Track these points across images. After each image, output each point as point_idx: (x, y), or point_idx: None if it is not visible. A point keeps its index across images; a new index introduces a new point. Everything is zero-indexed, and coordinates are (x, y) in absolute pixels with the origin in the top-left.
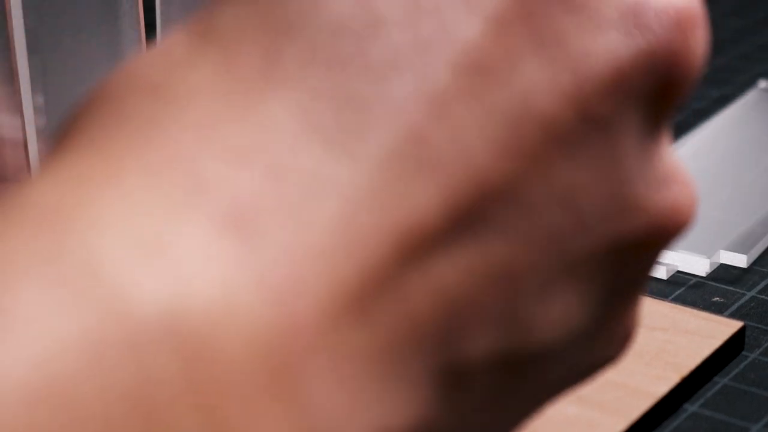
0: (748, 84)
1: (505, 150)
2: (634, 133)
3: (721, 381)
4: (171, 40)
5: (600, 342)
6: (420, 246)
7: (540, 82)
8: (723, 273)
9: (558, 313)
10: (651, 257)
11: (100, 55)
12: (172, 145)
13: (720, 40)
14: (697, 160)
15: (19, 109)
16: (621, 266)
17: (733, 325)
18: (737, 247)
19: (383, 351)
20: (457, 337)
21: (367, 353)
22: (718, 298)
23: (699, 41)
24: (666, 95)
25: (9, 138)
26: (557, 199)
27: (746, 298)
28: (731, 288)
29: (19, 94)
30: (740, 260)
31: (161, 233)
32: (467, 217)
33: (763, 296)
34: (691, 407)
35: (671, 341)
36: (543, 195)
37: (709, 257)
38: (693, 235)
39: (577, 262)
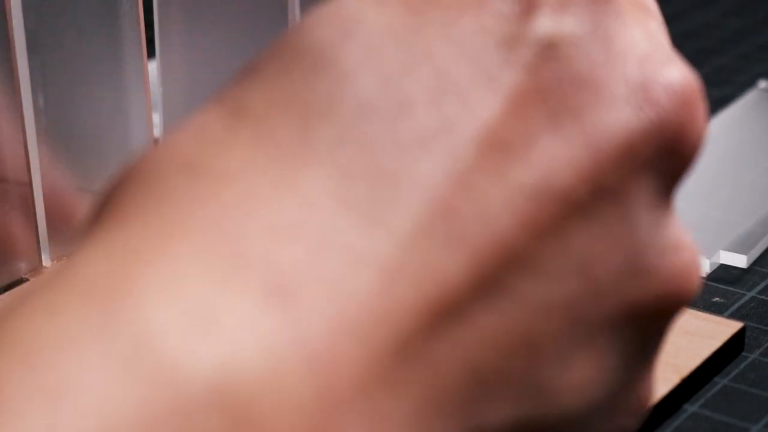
0: (748, 84)
1: (526, 222)
2: (645, 203)
3: (721, 381)
4: (204, 117)
5: (617, 411)
6: (447, 316)
7: (557, 158)
8: (723, 273)
9: (577, 380)
10: (663, 325)
11: (100, 55)
12: (214, 221)
13: (720, 40)
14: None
15: (19, 109)
16: (636, 334)
17: (733, 326)
18: (737, 248)
19: (411, 416)
20: (480, 403)
21: (397, 418)
22: (718, 299)
23: (702, 114)
24: (674, 166)
25: (9, 138)
26: (573, 268)
27: (746, 298)
28: (731, 288)
29: (19, 94)
30: (740, 260)
31: (209, 305)
32: (491, 287)
33: (763, 296)
34: (691, 408)
35: (671, 342)
36: (560, 265)
37: (709, 257)
38: (693, 235)
39: (594, 329)
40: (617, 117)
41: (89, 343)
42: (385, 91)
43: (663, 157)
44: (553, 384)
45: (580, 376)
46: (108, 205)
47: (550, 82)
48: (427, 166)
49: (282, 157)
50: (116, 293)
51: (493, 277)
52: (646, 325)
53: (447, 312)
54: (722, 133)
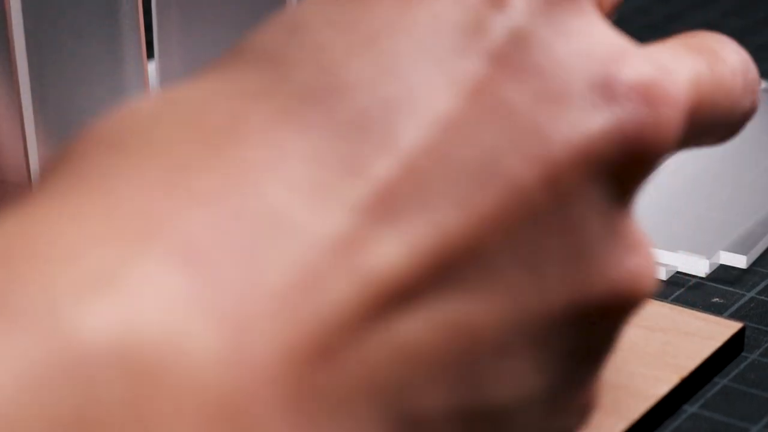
0: None
1: (470, 208)
2: (599, 203)
3: (721, 382)
4: (138, 103)
5: (558, 410)
6: (384, 299)
7: (509, 147)
8: (723, 274)
9: (513, 375)
10: (612, 327)
11: (100, 56)
12: (131, 191)
13: None
14: (697, 160)
15: (19, 109)
16: (580, 334)
17: (732, 326)
18: (737, 248)
19: (341, 396)
20: (415, 390)
21: (325, 397)
22: (717, 299)
23: (670, 114)
24: (633, 168)
25: (9, 138)
26: (520, 261)
27: (746, 298)
28: (731, 289)
29: (19, 94)
30: (740, 261)
31: (114, 267)
32: (431, 274)
33: (763, 297)
34: (690, 408)
35: (671, 342)
36: (506, 257)
37: (708, 258)
38: (693, 235)
39: (536, 326)
40: (575, 115)
41: None
42: (323, 77)
43: (621, 159)
44: (489, 376)
45: (516, 370)
46: (37, 186)
47: (506, 74)
48: (365, 147)
49: (216, 133)
50: (20, 255)
51: (434, 262)
52: (592, 327)
53: (384, 295)
54: None
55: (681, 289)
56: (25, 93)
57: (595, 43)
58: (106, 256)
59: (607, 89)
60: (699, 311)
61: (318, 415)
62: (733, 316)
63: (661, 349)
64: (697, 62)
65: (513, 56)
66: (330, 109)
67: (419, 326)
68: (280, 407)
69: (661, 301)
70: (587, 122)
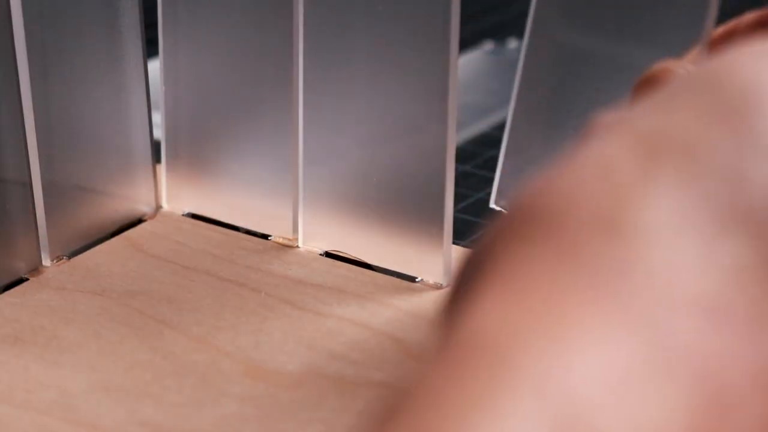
0: None
1: None
2: None
3: None
4: (609, 152)
5: None
6: None
7: None
8: None
9: None
10: None
11: (100, 55)
12: (637, 296)
13: None
14: None
15: (19, 109)
16: None
17: None
18: None
19: None
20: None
21: None
22: None
23: None
24: None
25: (9, 138)
26: None
27: None
28: None
29: (19, 94)
30: None
31: (632, 385)
32: None
33: None
34: None
35: None
36: None
37: None
38: None
39: None
40: None
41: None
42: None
43: None
44: None
45: None
46: (494, 252)
47: None
48: None
49: (711, 217)
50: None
51: None
52: None
53: None
54: None
55: None
56: (25, 93)
57: None
58: (620, 368)
59: None
60: None
61: None
62: None
63: None
64: None
65: None
66: None
67: None
68: None
69: None
70: None
